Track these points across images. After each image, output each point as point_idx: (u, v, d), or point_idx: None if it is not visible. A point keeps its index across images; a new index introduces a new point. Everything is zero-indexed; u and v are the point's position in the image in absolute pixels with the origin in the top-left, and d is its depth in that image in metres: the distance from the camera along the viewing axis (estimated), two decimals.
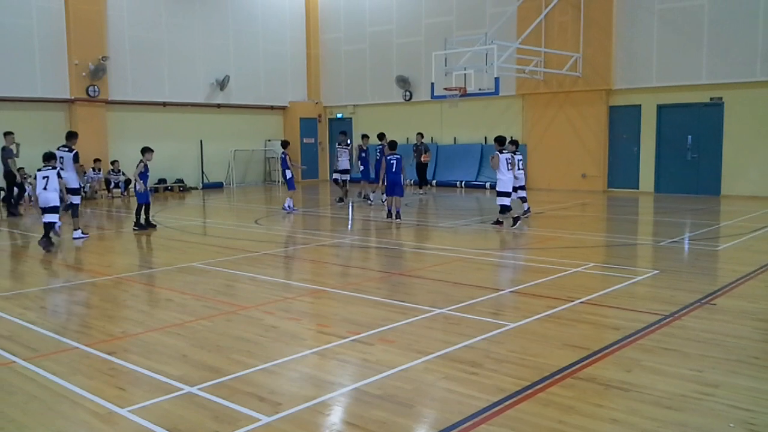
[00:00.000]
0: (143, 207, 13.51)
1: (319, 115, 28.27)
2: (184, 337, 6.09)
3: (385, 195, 14.81)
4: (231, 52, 25.43)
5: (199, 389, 4.73)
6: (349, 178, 18.70)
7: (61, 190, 11.75)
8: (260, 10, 26.30)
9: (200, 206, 19.79)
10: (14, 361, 5.45)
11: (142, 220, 13.59)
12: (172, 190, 23.69)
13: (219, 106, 25.22)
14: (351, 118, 27.66)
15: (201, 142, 24.84)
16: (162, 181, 23.60)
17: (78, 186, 12.78)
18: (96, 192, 21.20)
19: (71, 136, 13.09)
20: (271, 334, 6.16)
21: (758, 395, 4.54)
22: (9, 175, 17.14)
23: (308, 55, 28.10)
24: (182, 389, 4.74)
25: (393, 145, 14.51)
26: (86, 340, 6.04)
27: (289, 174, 16.65)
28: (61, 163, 12.41)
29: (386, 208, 14.51)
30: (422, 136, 21.03)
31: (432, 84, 19.73)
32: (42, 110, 20.73)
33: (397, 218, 14.12)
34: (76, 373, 5.18)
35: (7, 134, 17.16)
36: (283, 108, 27.63)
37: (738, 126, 18.62)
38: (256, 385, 4.83)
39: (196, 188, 24.66)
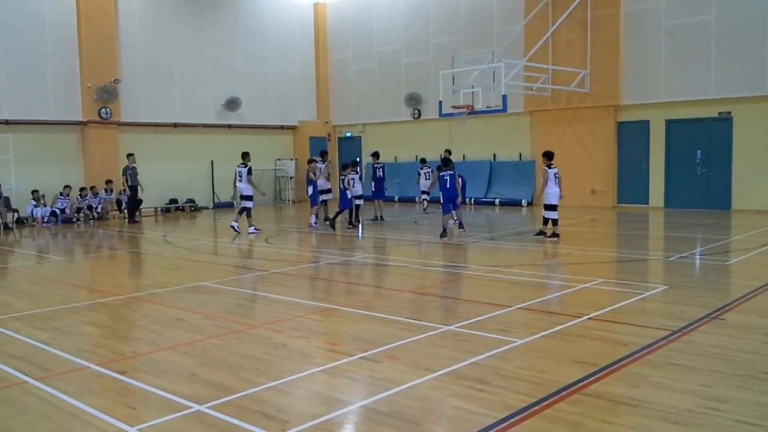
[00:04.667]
0: (350, 210, 16.59)
1: (329, 134, 28.46)
2: (194, 356, 6.14)
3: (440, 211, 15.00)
4: (241, 73, 25.72)
5: (208, 407, 4.77)
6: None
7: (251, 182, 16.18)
8: (270, 32, 26.62)
9: (211, 226, 19.92)
10: (26, 381, 5.51)
11: (321, 220, 16.77)
12: (183, 209, 23.87)
13: (230, 126, 25.47)
14: (360, 137, 27.83)
15: (212, 162, 25.06)
16: (173, 201, 23.81)
17: (251, 194, 16.29)
18: (108, 213, 21.39)
19: (246, 155, 16.46)
20: (280, 352, 6.20)
21: (767, 410, 4.53)
22: (132, 189, 20.24)
23: (317, 75, 28.37)
24: (192, 408, 4.78)
25: (446, 162, 14.67)
26: (97, 359, 6.10)
27: (248, 192, 16.50)
28: (240, 177, 16.16)
29: (442, 226, 14.44)
30: (449, 153, 20.87)
31: (440, 102, 19.85)
32: (55, 132, 21.02)
33: (443, 236, 14.19)
34: (88, 392, 5.23)
35: (129, 155, 20.43)
36: (293, 128, 27.85)
37: (747, 140, 18.58)
38: (264, 403, 4.86)
39: (207, 208, 24.84)
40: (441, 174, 14.26)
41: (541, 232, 13.83)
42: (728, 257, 11.20)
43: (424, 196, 20.76)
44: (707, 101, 19.13)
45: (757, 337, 6.33)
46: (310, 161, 17.39)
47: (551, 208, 13.67)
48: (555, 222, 13.70)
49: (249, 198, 16.27)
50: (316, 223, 16.95)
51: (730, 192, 18.99)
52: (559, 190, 13.60)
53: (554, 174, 13.56)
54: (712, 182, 19.34)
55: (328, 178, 17.94)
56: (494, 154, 23.73)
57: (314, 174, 16.96)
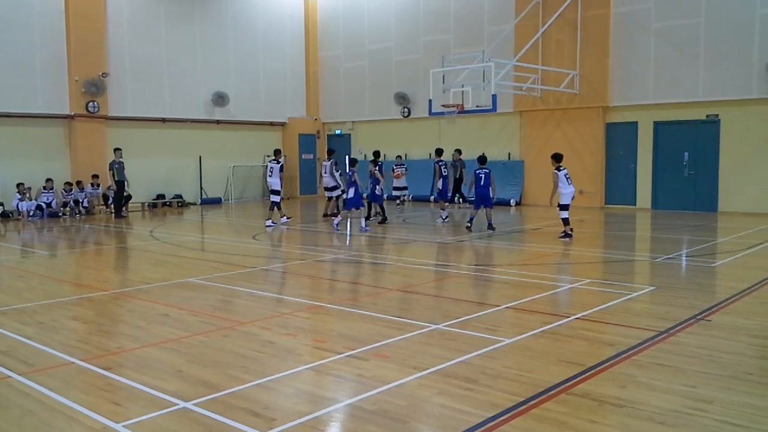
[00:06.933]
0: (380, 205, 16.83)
1: (318, 131, 28.40)
2: (180, 352, 6.10)
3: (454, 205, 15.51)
4: (231, 68, 25.60)
5: (194, 404, 4.74)
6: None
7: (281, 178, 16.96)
8: (260, 28, 26.52)
9: (198, 221, 19.83)
10: (10, 376, 5.45)
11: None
12: (170, 205, 23.74)
13: (218, 122, 25.35)
14: (350, 135, 27.78)
15: (200, 157, 24.93)
16: (160, 196, 23.67)
17: (280, 189, 16.91)
18: (94, 207, 21.23)
19: (278, 152, 17.84)
20: (267, 349, 6.17)
21: (752, 411, 4.56)
22: (119, 184, 20.17)
23: (307, 72, 28.29)
24: (177, 404, 4.75)
25: (482, 159, 15.33)
26: (82, 355, 6.04)
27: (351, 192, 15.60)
28: (271, 171, 16.94)
29: (469, 217, 15.28)
30: (460, 153, 20.71)
31: (430, 101, 19.85)
32: (42, 126, 20.83)
33: (489, 228, 14.91)
34: (72, 388, 5.18)
35: (116, 150, 20.31)
36: (283, 124, 27.77)
37: (734, 143, 18.72)
38: (251, 400, 4.84)
39: (195, 203, 24.71)
40: (476, 171, 14.91)
41: (567, 234, 13.59)
42: (714, 259, 11.27)
43: (401, 193, 20.58)
44: (695, 104, 19.26)
45: (742, 338, 6.38)
46: (354, 162, 16.28)
47: (564, 207, 13.64)
48: (565, 221, 13.64)
49: (277, 192, 16.90)
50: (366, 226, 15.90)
51: (717, 194, 19.13)
52: (573, 188, 13.70)
53: (564, 175, 13.63)
54: (699, 184, 19.47)
55: (333, 175, 18.08)
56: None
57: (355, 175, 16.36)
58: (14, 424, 4.51)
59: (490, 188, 14.91)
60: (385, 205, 17.25)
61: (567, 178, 13.72)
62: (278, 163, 17.07)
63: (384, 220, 16.89)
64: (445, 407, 4.67)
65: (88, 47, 21.30)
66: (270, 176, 17.03)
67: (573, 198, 13.75)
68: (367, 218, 16.95)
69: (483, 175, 14.84)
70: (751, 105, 18.34)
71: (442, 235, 14.97)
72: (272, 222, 16.77)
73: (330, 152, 19.50)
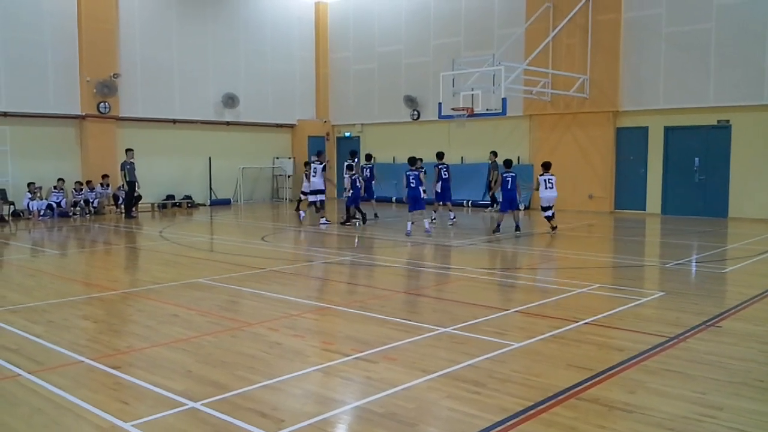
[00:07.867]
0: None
1: (327, 134, 28.43)
2: (189, 352, 6.12)
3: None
4: (241, 70, 25.68)
5: (202, 404, 4.75)
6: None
7: (327, 179, 18.04)
8: (270, 30, 26.60)
9: (208, 222, 19.88)
10: (19, 374, 5.48)
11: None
12: (180, 206, 23.82)
13: (228, 123, 25.43)
14: (359, 137, 27.81)
15: (209, 159, 25.02)
16: (170, 197, 23.76)
17: (324, 188, 17.80)
18: (104, 207, 21.33)
19: (321, 153, 18.40)
20: (276, 350, 6.18)
21: (762, 418, 4.52)
22: (130, 184, 20.30)
23: (317, 74, 28.35)
24: (186, 404, 4.76)
25: (508, 163, 15.69)
26: (91, 354, 6.07)
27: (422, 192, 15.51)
28: (314, 172, 17.66)
29: (496, 222, 15.71)
30: (495, 155, 20.63)
31: (439, 104, 19.84)
32: (54, 126, 20.96)
33: (516, 230, 15.29)
34: (81, 386, 5.20)
35: (128, 150, 20.50)
36: (292, 126, 27.83)
37: (745, 148, 18.61)
38: (259, 401, 4.84)
39: (204, 205, 24.80)
40: (504, 175, 15.29)
41: (552, 228, 15.36)
42: (724, 265, 11.21)
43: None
44: (706, 109, 19.15)
45: (752, 345, 6.33)
46: (414, 161, 16.10)
47: (542, 209, 15.44)
48: (547, 219, 15.34)
49: (322, 192, 17.81)
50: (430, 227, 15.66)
51: (728, 200, 19.02)
52: (548, 193, 15.17)
53: (544, 180, 15.23)
54: (710, 190, 19.36)
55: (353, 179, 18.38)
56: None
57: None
58: (23, 421, 4.54)
59: (516, 191, 15.28)
60: (358, 208, 17.65)
61: (546, 183, 15.10)
62: (321, 164, 17.69)
63: (346, 221, 17.39)
64: (453, 410, 4.66)
65: (100, 48, 21.43)
66: (313, 176, 17.73)
67: (549, 202, 15.14)
68: (346, 221, 17.43)
69: (510, 179, 15.16)
70: (763, 110, 18.22)
71: (450, 237, 14.95)
72: (326, 220, 17.52)
73: (353, 154, 19.45)
